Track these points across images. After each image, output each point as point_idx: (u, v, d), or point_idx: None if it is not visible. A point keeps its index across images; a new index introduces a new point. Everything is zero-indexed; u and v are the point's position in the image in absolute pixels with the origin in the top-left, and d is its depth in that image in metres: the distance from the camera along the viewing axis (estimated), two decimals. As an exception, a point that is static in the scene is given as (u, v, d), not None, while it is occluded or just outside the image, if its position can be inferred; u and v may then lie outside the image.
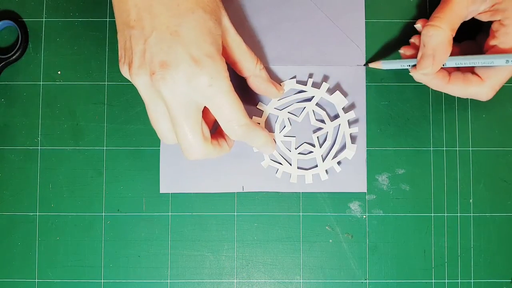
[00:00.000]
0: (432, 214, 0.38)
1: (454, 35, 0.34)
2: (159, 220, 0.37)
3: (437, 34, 0.33)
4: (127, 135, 0.38)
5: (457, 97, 0.38)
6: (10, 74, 0.38)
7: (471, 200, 0.38)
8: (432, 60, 0.34)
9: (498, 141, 0.38)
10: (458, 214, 0.38)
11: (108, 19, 0.38)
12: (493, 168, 0.38)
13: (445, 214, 0.38)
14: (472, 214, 0.38)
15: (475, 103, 0.39)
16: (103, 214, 0.37)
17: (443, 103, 0.38)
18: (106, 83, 0.38)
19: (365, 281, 0.37)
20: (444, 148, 0.38)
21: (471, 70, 0.35)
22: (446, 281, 0.37)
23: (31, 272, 0.37)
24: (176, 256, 0.37)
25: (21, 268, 0.37)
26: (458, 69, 0.36)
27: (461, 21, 0.34)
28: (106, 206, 0.38)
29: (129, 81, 0.38)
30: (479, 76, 0.35)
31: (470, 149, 0.38)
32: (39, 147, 0.38)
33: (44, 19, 0.38)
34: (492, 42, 0.34)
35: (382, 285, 0.37)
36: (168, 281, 0.37)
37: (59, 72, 0.38)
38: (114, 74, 0.38)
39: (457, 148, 0.38)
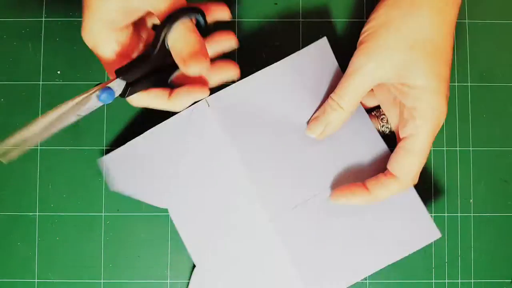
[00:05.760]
0: (433, 214, 0.38)
1: (354, 111, 0.34)
2: (158, 220, 0.37)
3: (337, 115, 0.33)
4: (126, 135, 0.38)
5: (458, 96, 0.38)
6: (9, 74, 0.38)
7: (471, 200, 0.38)
8: (323, 127, 0.34)
9: (498, 141, 0.38)
10: (459, 214, 0.38)
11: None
12: (493, 168, 0.38)
13: (446, 214, 0.38)
14: (472, 214, 0.38)
15: (476, 103, 0.38)
16: (103, 214, 0.37)
17: (443, 102, 0.38)
18: (105, 83, 0.38)
19: (365, 281, 0.37)
20: (445, 148, 0.38)
21: (383, 174, 0.34)
22: (447, 281, 0.37)
23: (31, 272, 0.37)
24: (175, 256, 0.37)
25: (21, 268, 0.37)
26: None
27: (364, 95, 0.33)
28: (106, 206, 0.37)
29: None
30: (392, 175, 0.33)
31: (471, 149, 0.38)
32: (38, 147, 0.38)
33: (43, 19, 0.38)
34: (401, 132, 0.33)
35: (382, 285, 0.37)
36: (168, 281, 0.37)
37: (58, 72, 0.38)
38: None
39: (458, 148, 0.38)
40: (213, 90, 0.35)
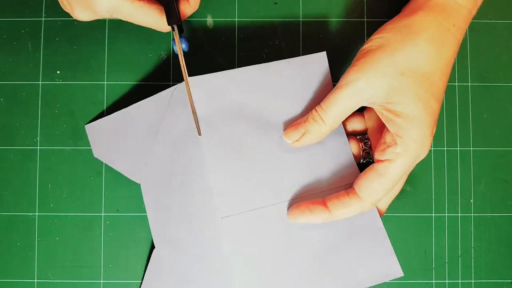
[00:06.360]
0: (433, 214, 0.38)
1: (335, 128, 0.33)
2: (158, 220, 0.37)
3: (317, 127, 0.32)
4: (126, 135, 0.38)
5: (458, 96, 0.38)
6: (9, 74, 0.38)
7: (471, 200, 0.38)
8: (300, 135, 0.33)
9: (498, 141, 0.38)
10: (459, 214, 0.38)
11: (107, 19, 0.38)
12: (493, 168, 0.38)
13: (446, 214, 0.38)
14: (472, 214, 0.38)
15: (476, 103, 0.38)
16: (103, 214, 0.37)
17: (444, 102, 0.38)
18: (105, 82, 0.38)
19: (365, 281, 0.37)
20: (445, 148, 0.38)
21: (345, 193, 0.33)
22: (447, 281, 0.37)
23: (31, 272, 0.37)
24: (175, 256, 0.37)
25: (21, 268, 0.37)
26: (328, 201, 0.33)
27: (348, 113, 0.32)
28: (106, 206, 0.37)
29: (128, 81, 0.38)
30: (355, 194, 0.33)
31: (471, 149, 0.38)
32: (38, 147, 0.38)
33: (43, 19, 0.38)
34: (378, 155, 0.32)
35: (382, 286, 0.37)
36: (168, 281, 0.37)
37: (58, 72, 0.38)
38: (113, 74, 0.38)
39: (458, 148, 0.38)
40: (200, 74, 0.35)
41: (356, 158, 0.35)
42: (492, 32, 0.39)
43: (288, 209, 0.34)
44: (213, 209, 0.34)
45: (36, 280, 0.37)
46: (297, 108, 0.35)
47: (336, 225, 0.34)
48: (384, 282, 0.37)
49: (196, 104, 0.34)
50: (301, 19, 0.39)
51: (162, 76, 0.38)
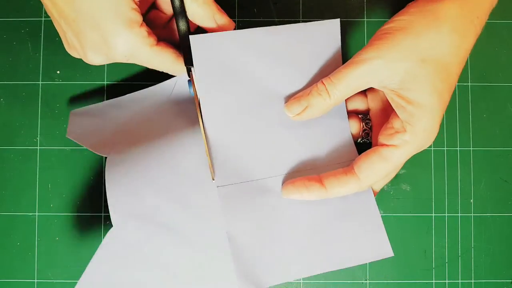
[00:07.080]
0: (433, 214, 0.38)
1: (339, 103, 0.32)
2: (158, 220, 0.37)
3: (321, 101, 0.31)
4: (126, 135, 0.38)
5: (458, 96, 0.38)
6: (9, 74, 0.38)
7: (471, 200, 0.38)
8: (302, 109, 0.32)
9: (498, 141, 0.38)
10: (459, 214, 0.38)
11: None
12: (493, 168, 0.38)
13: (446, 214, 0.38)
14: (472, 214, 0.38)
15: (476, 103, 0.38)
16: (103, 214, 0.37)
17: (443, 102, 0.38)
18: (105, 82, 0.38)
19: (365, 281, 0.37)
20: (445, 148, 0.38)
21: (343, 171, 0.32)
22: (447, 281, 0.37)
23: (31, 272, 0.37)
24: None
25: (21, 268, 0.37)
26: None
27: (356, 91, 0.31)
28: (106, 206, 0.37)
29: (128, 81, 0.38)
30: (353, 174, 0.32)
31: (471, 149, 0.38)
32: (38, 147, 0.38)
33: (43, 19, 0.38)
34: (383, 139, 0.32)
35: (382, 285, 0.37)
36: (168, 281, 0.37)
37: (58, 72, 0.38)
38: (113, 74, 0.38)
39: (458, 148, 0.38)
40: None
41: (354, 137, 0.35)
42: (492, 32, 0.39)
43: (282, 184, 0.33)
44: (209, 176, 0.33)
45: (36, 280, 0.37)
46: (301, 78, 0.34)
47: (330, 202, 0.33)
48: (384, 282, 0.37)
49: (196, 65, 0.33)
50: (301, 19, 0.39)
51: (162, 77, 0.38)
